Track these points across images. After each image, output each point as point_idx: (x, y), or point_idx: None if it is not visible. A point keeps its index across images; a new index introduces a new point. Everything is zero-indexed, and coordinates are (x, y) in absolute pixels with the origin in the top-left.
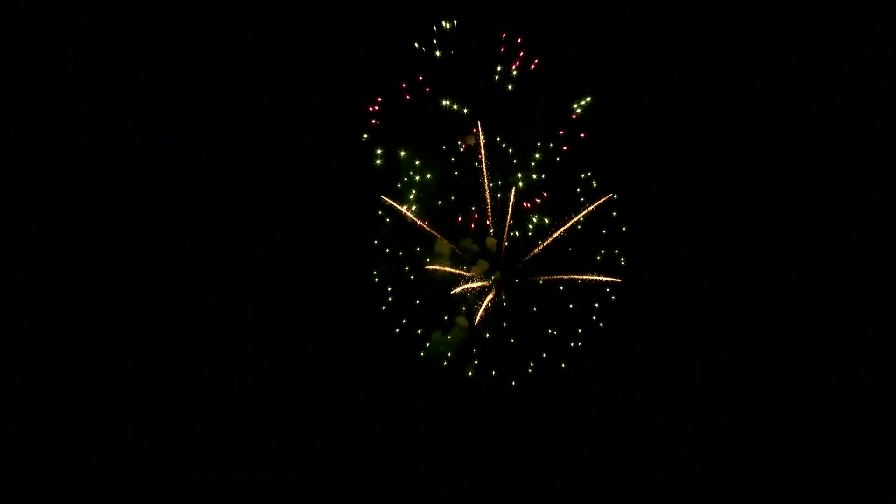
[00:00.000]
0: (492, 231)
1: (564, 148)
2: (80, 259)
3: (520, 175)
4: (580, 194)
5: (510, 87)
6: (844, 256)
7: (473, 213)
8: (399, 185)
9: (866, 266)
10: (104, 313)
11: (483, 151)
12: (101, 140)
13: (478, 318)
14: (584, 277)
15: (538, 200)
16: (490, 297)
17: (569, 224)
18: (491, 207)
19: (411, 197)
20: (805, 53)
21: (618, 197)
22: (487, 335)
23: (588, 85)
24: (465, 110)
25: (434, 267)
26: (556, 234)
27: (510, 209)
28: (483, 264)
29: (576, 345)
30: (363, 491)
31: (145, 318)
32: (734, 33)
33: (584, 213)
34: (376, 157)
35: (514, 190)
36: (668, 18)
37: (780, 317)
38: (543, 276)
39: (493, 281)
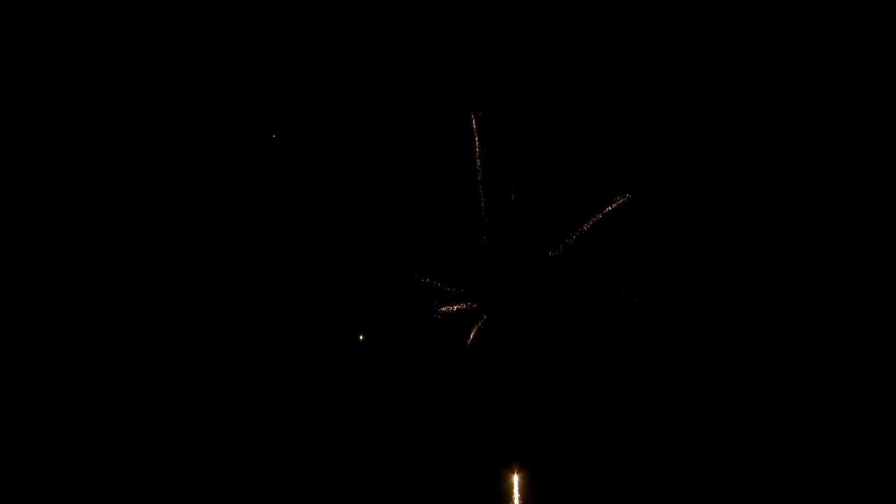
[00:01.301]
0: (486, 239)
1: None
2: (80, 259)
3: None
4: (586, 197)
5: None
6: (844, 256)
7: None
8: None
9: (866, 266)
10: (104, 313)
11: (478, 146)
12: (101, 140)
13: (470, 338)
14: (598, 292)
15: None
16: (483, 318)
17: (579, 230)
18: (486, 211)
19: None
20: (805, 53)
21: (630, 197)
22: (481, 363)
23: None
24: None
25: (421, 279)
26: (566, 242)
27: (509, 211)
28: (477, 276)
29: (586, 384)
30: (363, 491)
31: (145, 318)
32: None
33: (600, 214)
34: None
35: (514, 191)
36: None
37: (780, 317)
38: (546, 289)
39: (487, 296)
